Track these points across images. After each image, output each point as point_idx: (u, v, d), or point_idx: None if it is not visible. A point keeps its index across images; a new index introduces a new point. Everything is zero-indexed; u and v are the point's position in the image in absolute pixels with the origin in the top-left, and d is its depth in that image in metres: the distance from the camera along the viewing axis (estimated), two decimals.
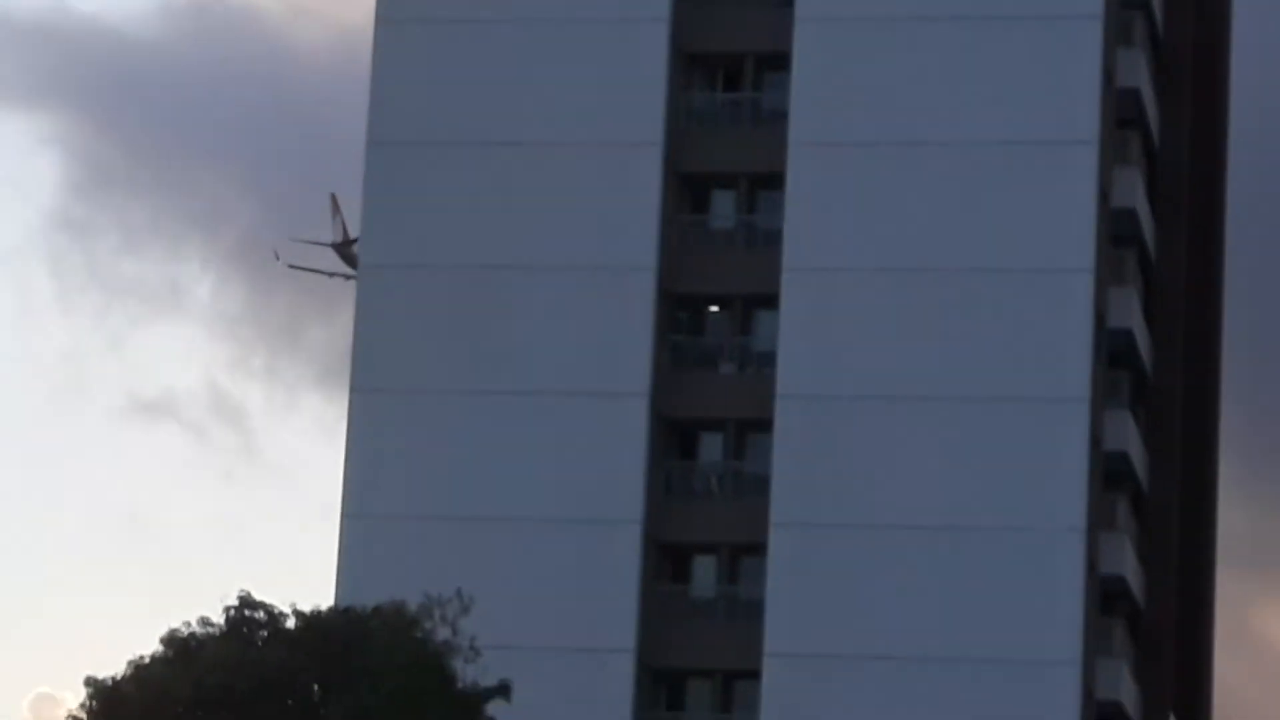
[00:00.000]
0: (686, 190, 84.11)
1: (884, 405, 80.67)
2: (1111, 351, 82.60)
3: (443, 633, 61.11)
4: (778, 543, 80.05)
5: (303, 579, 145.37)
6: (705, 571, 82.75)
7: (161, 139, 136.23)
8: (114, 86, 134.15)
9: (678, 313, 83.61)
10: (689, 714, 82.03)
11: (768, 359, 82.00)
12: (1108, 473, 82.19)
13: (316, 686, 59.37)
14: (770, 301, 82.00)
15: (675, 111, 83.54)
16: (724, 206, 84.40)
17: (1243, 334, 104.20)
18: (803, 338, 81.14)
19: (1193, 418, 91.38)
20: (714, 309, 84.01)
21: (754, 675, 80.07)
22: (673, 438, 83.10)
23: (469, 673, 61.01)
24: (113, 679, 59.90)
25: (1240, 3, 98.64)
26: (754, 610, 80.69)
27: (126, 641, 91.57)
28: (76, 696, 60.19)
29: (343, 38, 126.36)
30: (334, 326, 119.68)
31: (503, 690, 61.16)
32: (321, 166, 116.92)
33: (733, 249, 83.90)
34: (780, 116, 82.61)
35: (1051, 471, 79.23)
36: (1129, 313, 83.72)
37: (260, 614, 60.31)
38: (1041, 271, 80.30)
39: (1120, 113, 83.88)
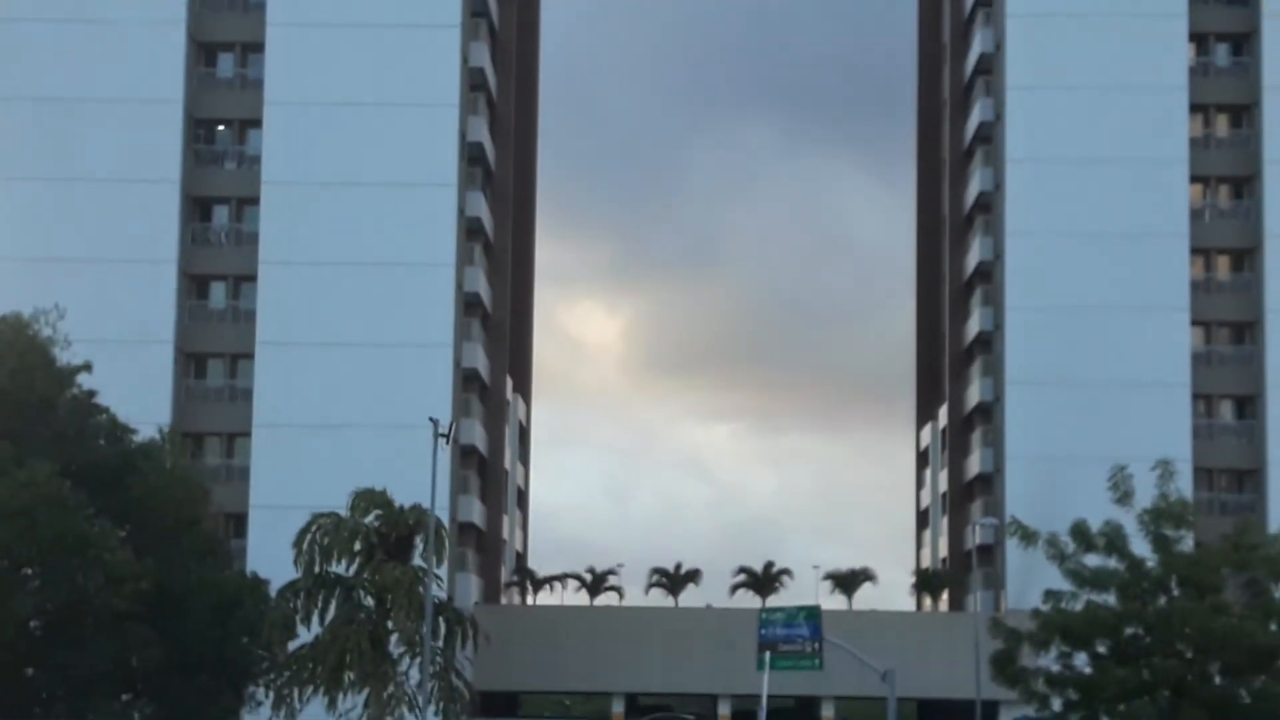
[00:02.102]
0: (203, 53, 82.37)
1: (341, 189, 78.33)
2: (470, 155, 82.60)
3: (46, 331, 58.09)
4: (265, 275, 79.14)
5: None
6: (218, 294, 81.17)
7: None
8: None
9: (199, 131, 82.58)
10: (209, 381, 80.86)
11: (256, 160, 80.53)
12: (469, 229, 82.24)
13: None
14: (258, 124, 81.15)
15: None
16: (227, 65, 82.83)
17: (550, 137, 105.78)
18: (279, 145, 79.44)
19: (519, 193, 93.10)
20: (221, 128, 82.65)
21: (250, 357, 79.71)
22: (195, 209, 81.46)
23: (64, 356, 58.05)
24: None
25: None
26: (251, 316, 79.94)
27: None
28: None
29: None
30: None
31: (87, 366, 58.15)
32: None
33: (233, 90, 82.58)
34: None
35: (433, 229, 78.91)
36: (481, 132, 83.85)
37: None
38: (427, 106, 79.38)
39: (474, 7, 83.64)
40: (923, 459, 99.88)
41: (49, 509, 49.96)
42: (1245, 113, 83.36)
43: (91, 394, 57.77)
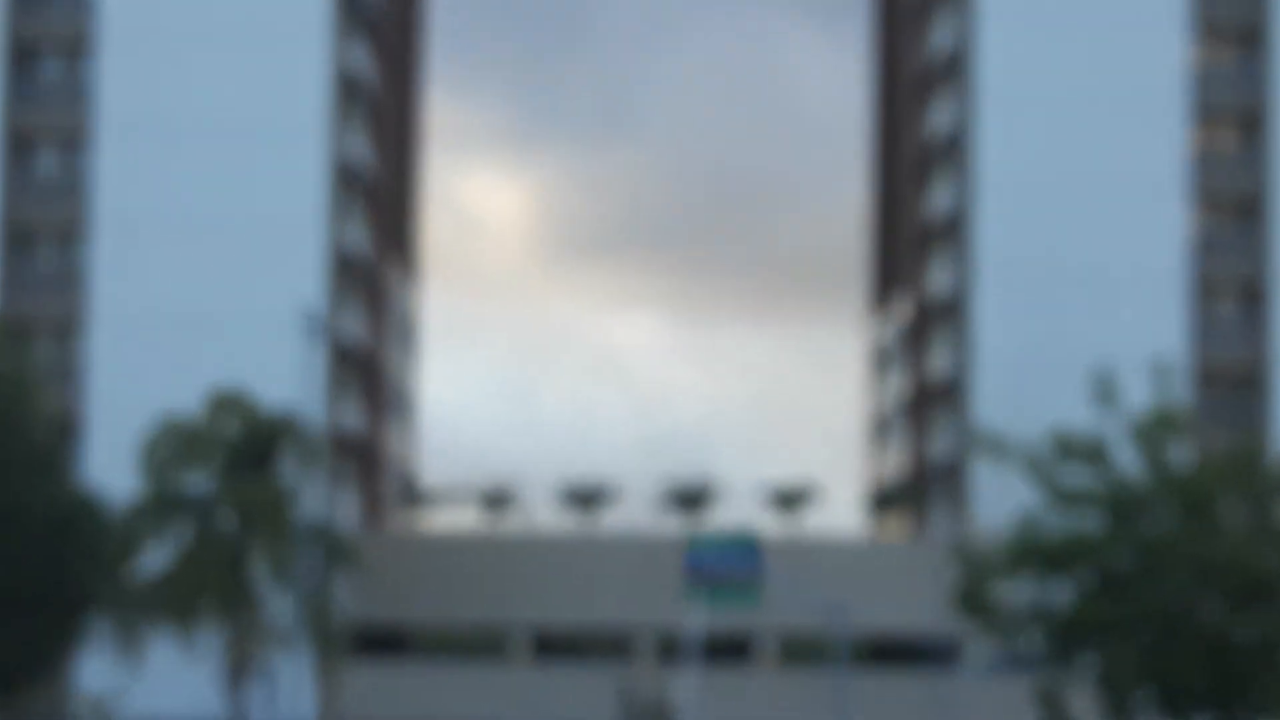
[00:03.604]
0: None
1: (194, 37, 77.66)
2: None
3: None
4: (102, 137, 78.24)
5: None
6: (48, 159, 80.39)
7: None
8: None
9: None
10: (38, 264, 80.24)
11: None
12: (346, 86, 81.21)
13: None
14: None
15: None
16: None
17: None
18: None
19: (405, 43, 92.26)
20: None
21: (84, 235, 79.57)
22: (19, 55, 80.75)
23: None
24: None
25: None
26: (86, 186, 79.42)
27: None
28: None
29: None
30: None
31: None
32: None
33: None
34: None
35: (301, 84, 78.10)
36: None
37: None
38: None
39: None
40: (876, 359, 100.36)
41: None
42: None
43: None
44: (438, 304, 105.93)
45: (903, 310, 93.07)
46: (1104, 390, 42.73)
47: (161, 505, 55.81)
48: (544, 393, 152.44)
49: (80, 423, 76.49)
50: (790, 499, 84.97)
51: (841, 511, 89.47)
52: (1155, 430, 43.00)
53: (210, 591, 54.90)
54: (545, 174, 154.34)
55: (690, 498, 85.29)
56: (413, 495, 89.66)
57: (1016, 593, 43.79)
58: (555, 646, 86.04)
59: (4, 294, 78.50)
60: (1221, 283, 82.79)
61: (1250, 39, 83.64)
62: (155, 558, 56.43)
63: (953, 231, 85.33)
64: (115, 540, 54.59)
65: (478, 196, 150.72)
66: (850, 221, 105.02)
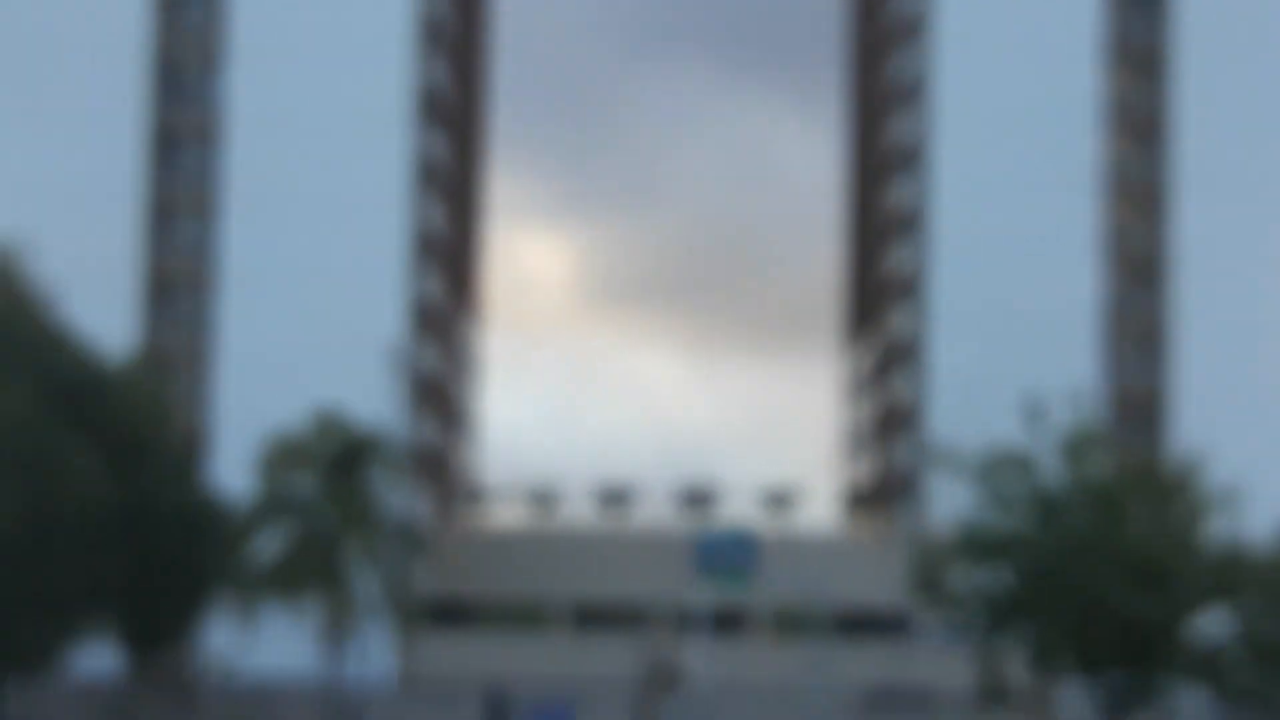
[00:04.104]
0: None
1: (306, 131, 77.90)
2: (430, 97, 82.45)
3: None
4: (232, 209, 79.21)
5: None
6: (187, 226, 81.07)
7: None
8: None
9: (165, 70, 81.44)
10: (177, 309, 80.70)
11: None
12: (427, 167, 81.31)
13: None
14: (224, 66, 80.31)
15: None
16: None
17: (503, 75, 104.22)
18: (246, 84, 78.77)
19: (475, 129, 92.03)
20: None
21: (213, 286, 79.75)
22: (161, 141, 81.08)
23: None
24: None
25: None
26: (216, 250, 79.78)
27: None
28: None
29: None
30: None
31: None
32: None
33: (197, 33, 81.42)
34: None
35: (389, 171, 78.20)
36: (439, 73, 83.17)
37: None
38: (381, 46, 79.41)
39: None
40: (850, 387, 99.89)
41: (20, 429, 49.01)
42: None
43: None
44: (498, 342, 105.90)
45: (871, 348, 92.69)
46: (1033, 413, 42.56)
47: (273, 506, 55.56)
48: (583, 413, 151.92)
49: (209, 439, 76.42)
50: (780, 499, 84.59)
51: (821, 511, 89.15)
52: (1077, 445, 42.79)
53: (313, 574, 54.65)
54: (587, 237, 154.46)
55: (698, 498, 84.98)
56: (476, 496, 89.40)
57: (962, 578, 43.57)
58: (589, 618, 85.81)
59: (149, 333, 78.33)
60: (1129, 328, 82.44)
61: (1152, 130, 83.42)
62: (268, 547, 56.17)
63: (913, 286, 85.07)
64: (235, 533, 54.39)
65: (532, 254, 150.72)
66: (828, 276, 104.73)
